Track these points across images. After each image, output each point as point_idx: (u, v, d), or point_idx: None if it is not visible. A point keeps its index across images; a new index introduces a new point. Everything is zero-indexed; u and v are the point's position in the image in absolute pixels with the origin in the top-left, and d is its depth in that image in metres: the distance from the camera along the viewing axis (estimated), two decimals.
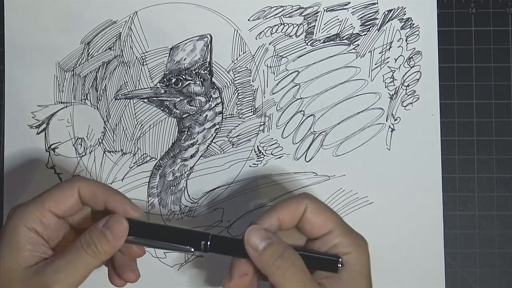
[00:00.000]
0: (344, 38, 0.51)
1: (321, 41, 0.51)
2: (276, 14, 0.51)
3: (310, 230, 0.39)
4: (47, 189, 0.39)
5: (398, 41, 0.51)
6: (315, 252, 0.39)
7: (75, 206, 0.39)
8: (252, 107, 0.50)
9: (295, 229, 0.40)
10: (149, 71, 0.51)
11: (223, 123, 0.50)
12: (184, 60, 0.50)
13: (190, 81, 0.50)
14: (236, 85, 0.51)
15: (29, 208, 0.38)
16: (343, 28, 0.51)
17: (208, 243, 0.39)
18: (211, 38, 0.51)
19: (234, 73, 0.51)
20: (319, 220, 0.39)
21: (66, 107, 0.51)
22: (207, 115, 0.50)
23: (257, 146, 0.50)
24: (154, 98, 0.50)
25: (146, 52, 0.51)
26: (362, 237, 0.40)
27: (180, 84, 0.50)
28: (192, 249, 0.39)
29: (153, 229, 0.40)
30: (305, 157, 0.50)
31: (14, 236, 0.37)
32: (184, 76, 0.50)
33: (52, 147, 0.50)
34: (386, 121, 0.50)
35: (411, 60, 0.51)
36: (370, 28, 0.51)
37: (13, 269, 0.37)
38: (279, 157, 0.50)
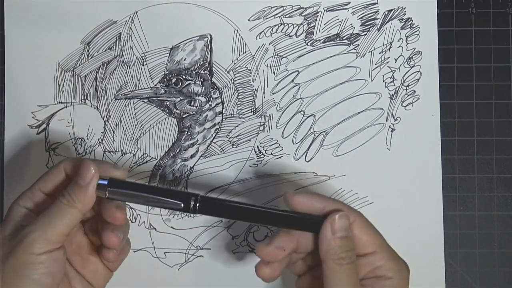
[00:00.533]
0: (344, 38, 0.51)
1: (321, 41, 0.51)
2: (276, 14, 0.51)
3: (355, 245, 0.39)
4: None
5: (398, 41, 0.51)
6: (300, 213, 0.40)
7: (63, 183, 0.41)
8: (252, 107, 0.50)
9: None
10: (149, 71, 0.51)
11: (223, 123, 0.50)
12: (184, 60, 0.50)
13: (190, 81, 0.50)
14: (236, 85, 0.51)
15: (23, 193, 0.41)
16: (343, 28, 0.51)
17: (197, 204, 0.39)
18: (211, 38, 0.51)
19: (234, 73, 0.51)
20: (365, 238, 0.39)
21: (66, 107, 0.51)
22: (207, 115, 0.50)
23: (257, 146, 0.50)
24: (154, 98, 0.50)
25: (146, 52, 0.51)
26: (405, 263, 0.41)
27: (180, 84, 0.50)
28: (182, 204, 0.39)
29: (139, 186, 0.40)
30: (305, 157, 0.50)
31: (8, 214, 0.40)
32: (184, 76, 0.50)
33: (52, 147, 0.50)
34: (386, 121, 0.50)
35: (411, 60, 0.51)
36: (370, 28, 0.51)
37: (3, 237, 0.39)
38: (279, 157, 0.50)
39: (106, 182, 0.39)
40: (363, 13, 0.51)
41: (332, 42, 0.51)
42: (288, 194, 0.40)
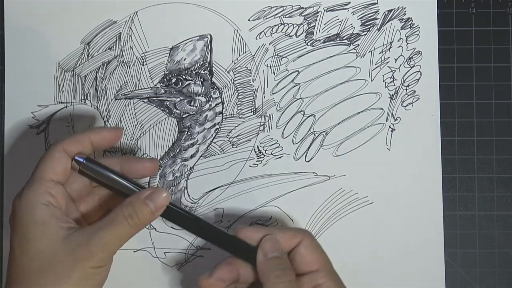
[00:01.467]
0: (344, 38, 0.51)
1: (321, 41, 0.51)
2: (276, 14, 0.51)
3: (300, 263, 0.42)
4: (37, 165, 0.41)
5: (398, 41, 0.51)
6: (240, 241, 0.42)
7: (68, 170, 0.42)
8: (252, 107, 0.51)
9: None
10: (149, 71, 0.51)
11: (223, 123, 0.50)
12: (184, 60, 0.50)
13: (190, 81, 0.50)
14: (236, 85, 0.51)
15: (34, 187, 0.40)
16: (343, 28, 0.51)
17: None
18: (211, 38, 0.51)
19: (234, 73, 0.51)
20: (310, 257, 0.42)
21: (66, 107, 0.51)
22: (207, 115, 0.50)
23: (257, 146, 0.50)
24: (154, 98, 0.50)
25: (146, 52, 0.51)
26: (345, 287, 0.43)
27: (180, 84, 0.50)
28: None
29: (108, 169, 0.42)
30: (305, 157, 0.50)
31: (36, 216, 0.38)
32: (184, 76, 0.50)
33: None
34: (386, 121, 0.50)
35: (411, 60, 0.51)
36: (370, 28, 0.51)
37: (51, 246, 0.38)
38: (279, 157, 0.50)
39: (82, 160, 0.41)
40: (363, 13, 0.51)
41: (332, 42, 0.51)
42: (238, 228, 0.43)
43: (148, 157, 0.50)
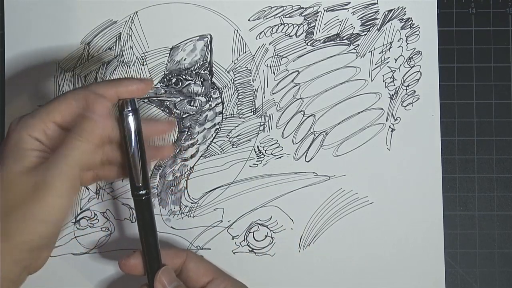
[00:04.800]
0: (344, 38, 0.51)
1: (321, 41, 0.51)
2: (276, 14, 0.51)
3: (195, 278, 0.43)
4: (51, 100, 0.39)
5: (398, 41, 0.51)
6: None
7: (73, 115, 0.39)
8: (252, 107, 0.51)
9: None
10: (149, 71, 0.51)
11: (223, 123, 0.50)
12: (184, 60, 0.50)
13: (190, 81, 0.50)
14: (236, 85, 0.51)
15: (33, 119, 0.38)
16: (343, 28, 0.51)
17: (143, 198, 0.42)
18: (211, 38, 0.51)
19: (234, 73, 0.51)
20: (203, 268, 0.43)
21: None
22: (207, 115, 0.50)
23: (257, 146, 0.50)
24: (154, 98, 0.50)
25: (146, 52, 0.51)
26: (243, 284, 0.45)
27: (180, 84, 0.50)
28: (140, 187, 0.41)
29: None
30: (305, 157, 0.50)
31: (19, 145, 0.37)
32: (184, 76, 0.50)
33: None
34: (386, 121, 0.50)
35: (411, 60, 0.51)
36: (370, 28, 0.51)
37: (18, 172, 0.36)
38: (279, 157, 0.50)
39: (129, 110, 0.40)
40: (363, 13, 0.51)
41: (332, 42, 0.51)
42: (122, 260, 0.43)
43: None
